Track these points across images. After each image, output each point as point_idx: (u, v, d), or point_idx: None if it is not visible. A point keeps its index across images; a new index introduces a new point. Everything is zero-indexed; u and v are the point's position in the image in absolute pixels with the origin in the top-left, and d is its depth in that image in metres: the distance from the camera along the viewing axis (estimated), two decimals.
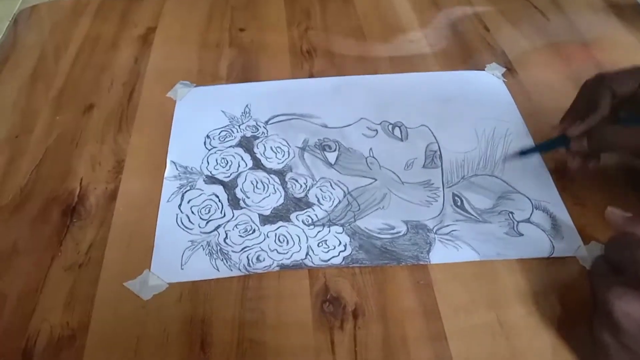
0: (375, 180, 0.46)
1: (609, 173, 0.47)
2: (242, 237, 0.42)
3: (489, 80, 0.56)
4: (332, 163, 0.47)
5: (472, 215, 0.44)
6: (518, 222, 0.43)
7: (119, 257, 0.41)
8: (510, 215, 0.44)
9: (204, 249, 0.41)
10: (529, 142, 0.49)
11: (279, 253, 0.41)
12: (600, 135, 0.42)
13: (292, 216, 0.43)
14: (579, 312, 0.37)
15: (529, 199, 0.45)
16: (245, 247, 0.41)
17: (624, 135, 0.41)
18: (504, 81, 0.56)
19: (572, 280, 0.40)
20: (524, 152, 0.48)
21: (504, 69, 0.57)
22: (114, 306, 0.38)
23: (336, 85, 0.55)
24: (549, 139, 0.47)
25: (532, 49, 0.61)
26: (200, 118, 0.51)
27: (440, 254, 0.41)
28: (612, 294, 0.31)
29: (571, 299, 0.39)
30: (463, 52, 0.60)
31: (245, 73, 0.57)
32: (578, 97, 0.45)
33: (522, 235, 0.42)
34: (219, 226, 0.43)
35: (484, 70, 0.57)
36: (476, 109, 0.52)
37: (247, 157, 0.48)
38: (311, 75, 0.57)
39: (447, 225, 0.43)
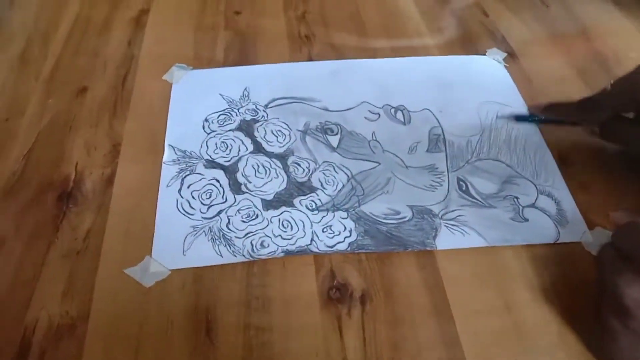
0: (379, 164, 0.45)
1: (613, 159, 0.47)
2: (245, 222, 0.41)
3: (490, 65, 0.55)
4: (335, 146, 0.47)
5: (477, 200, 0.43)
6: (523, 207, 0.43)
7: (118, 243, 0.40)
8: (516, 200, 0.43)
9: (206, 235, 0.40)
10: (531, 126, 0.49)
11: (283, 239, 0.40)
12: (618, 130, 0.43)
13: (296, 201, 0.43)
14: (585, 297, 0.37)
15: (534, 184, 0.44)
16: (248, 233, 0.40)
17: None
18: (505, 66, 0.55)
19: (578, 266, 0.40)
20: (519, 118, 0.49)
21: (505, 54, 0.57)
22: (114, 293, 0.37)
23: (336, 68, 0.54)
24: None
25: (531, 36, 0.60)
26: (197, 101, 0.50)
27: (446, 240, 0.40)
28: (622, 280, 0.31)
29: (577, 284, 0.39)
30: (463, 38, 0.59)
31: (242, 57, 0.56)
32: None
33: (528, 220, 0.42)
34: (220, 211, 0.42)
35: (484, 55, 0.57)
36: (478, 93, 0.52)
37: (247, 141, 0.47)
38: (310, 59, 0.55)
39: (453, 210, 0.42)
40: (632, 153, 0.46)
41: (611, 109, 0.42)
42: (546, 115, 0.48)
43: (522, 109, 0.50)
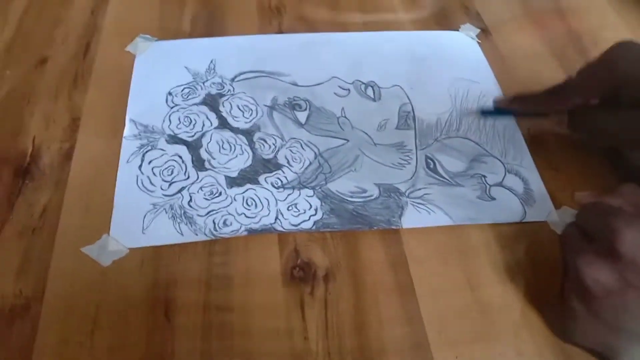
0: (347, 141, 0.45)
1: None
2: (208, 200, 0.40)
3: (463, 41, 0.54)
4: (303, 123, 0.46)
5: (445, 178, 0.43)
6: (490, 185, 0.43)
7: (75, 221, 0.39)
8: (483, 178, 0.43)
9: (166, 213, 0.39)
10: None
11: (247, 217, 0.39)
12: (587, 119, 0.40)
13: (261, 178, 0.42)
14: (548, 277, 0.37)
15: (502, 162, 0.44)
16: (211, 211, 0.39)
17: (619, 123, 0.38)
18: (478, 42, 0.54)
19: (543, 245, 0.40)
20: (485, 113, 0.47)
21: (478, 30, 0.56)
22: (70, 273, 0.36)
23: (306, 42, 0.53)
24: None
25: (506, 12, 0.59)
26: (161, 74, 0.48)
27: (412, 218, 0.40)
28: (583, 260, 0.31)
29: (542, 263, 0.39)
30: (437, 13, 0.58)
31: (209, 28, 0.54)
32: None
33: (495, 199, 0.42)
34: (182, 188, 0.40)
35: (458, 31, 0.56)
36: (450, 70, 0.51)
37: (212, 115, 0.45)
38: (280, 32, 0.54)
39: (420, 189, 0.42)
40: (601, 144, 0.45)
41: (581, 94, 0.40)
42: (513, 109, 0.46)
43: (492, 86, 0.50)
